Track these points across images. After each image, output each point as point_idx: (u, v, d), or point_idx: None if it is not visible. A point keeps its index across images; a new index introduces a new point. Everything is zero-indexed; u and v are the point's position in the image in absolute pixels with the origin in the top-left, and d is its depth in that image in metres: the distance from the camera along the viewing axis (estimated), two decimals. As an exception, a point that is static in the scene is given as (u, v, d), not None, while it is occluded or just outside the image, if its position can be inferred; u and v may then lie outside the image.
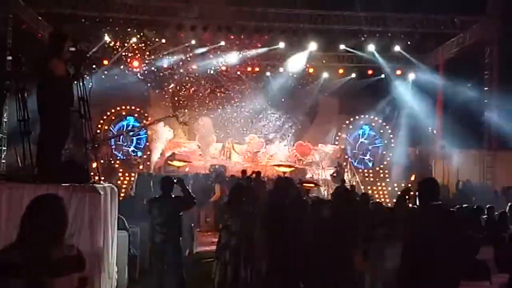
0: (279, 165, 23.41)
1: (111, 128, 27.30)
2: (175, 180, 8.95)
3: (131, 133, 26.19)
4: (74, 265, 3.76)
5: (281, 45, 25.75)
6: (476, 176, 22.82)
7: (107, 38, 25.17)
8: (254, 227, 8.34)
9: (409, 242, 5.94)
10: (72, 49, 7.49)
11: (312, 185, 20.02)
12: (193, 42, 25.16)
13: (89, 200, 6.15)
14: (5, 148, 20.79)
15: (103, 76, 25.51)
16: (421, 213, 6.03)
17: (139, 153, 26.80)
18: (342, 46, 25.88)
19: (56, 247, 3.64)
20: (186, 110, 23.07)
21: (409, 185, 22.42)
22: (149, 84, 27.61)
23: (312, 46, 25.60)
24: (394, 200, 8.74)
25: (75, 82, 7.20)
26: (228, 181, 18.94)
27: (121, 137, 27.06)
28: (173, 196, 8.85)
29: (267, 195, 11.86)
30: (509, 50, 22.89)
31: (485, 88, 23.08)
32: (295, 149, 27.50)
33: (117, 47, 26.15)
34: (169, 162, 23.66)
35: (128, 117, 27.75)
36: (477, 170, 23.14)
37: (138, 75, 27.42)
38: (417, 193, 6.14)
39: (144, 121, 24.82)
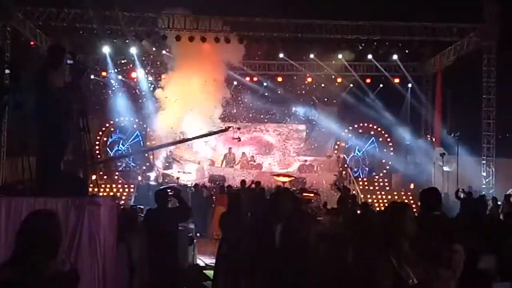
0: (278, 175, 23.36)
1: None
2: (171, 192, 8.89)
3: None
4: (67, 280, 3.74)
5: (280, 55, 26.04)
6: (476, 183, 22.78)
7: (105, 50, 25.25)
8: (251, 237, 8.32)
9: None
10: (71, 61, 7.48)
11: (312, 194, 20.00)
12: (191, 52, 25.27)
13: (88, 212, 6.13)
14: (4, 161, 20.76)
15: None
16: (422, 223, 6.01)
17: (139, 164, 26.74)
18: (339, 55, 26.10)
19: (50, 263, 3.62)
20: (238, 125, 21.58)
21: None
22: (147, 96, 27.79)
23: (310, 55, 25.91)
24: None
25: (74, 94, 7.20)
26: (227, 191, 18.92)
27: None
28: (169, 207, 8.81)
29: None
30: (507, 57, 22.96)
31: (484, 96, 23.06)
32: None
33: (116, 58, 26.29)
34: (168, 172, 23.68)
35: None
36: (477, 177, 23.10)
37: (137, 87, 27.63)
38: (418, 203, 6.13)
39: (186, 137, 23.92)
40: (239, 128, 16.90)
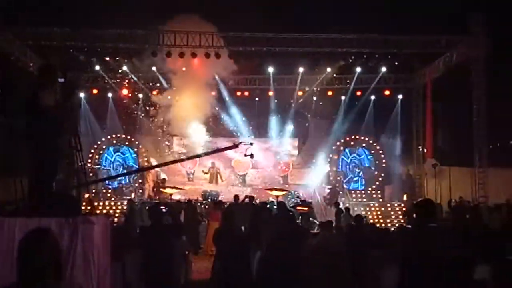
0: (271, 189, 23.35)
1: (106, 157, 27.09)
2: (164, 208, 8.90)
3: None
4: None
5: (270, 69, 26.12)
6: (468, 193, 22.83)
7: (97, 68, 25.35)
8: (247, 252, 8.32)
9: (406, 263, 5.90)
10: (61, 80, 7.46)
11: (306, 208, 19.99)
12: (183, 69, 25.39)
13: (82, 231, 6.08)
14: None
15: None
16: (418, 234, 6.01)
17: (132, 181, 26.63)
18: (328, 69, 26.21)
19: (57, 284, 3.56)
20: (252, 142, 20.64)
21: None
22: (139, 113, 27.97)
23: (300, 69, 26.00)
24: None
25: (65, 113, 7.17)
26: (221, 206, 18.90)
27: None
28: (163, 224, 8.78)
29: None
30: (495, 67, 23.10)
31: (474, 106, 23.14)
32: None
33: (107, 76, 26.36)
34: (161, 189, 23.61)
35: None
36: (469, 187, 23.14)
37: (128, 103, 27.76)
38: (414, 214, 6.14)
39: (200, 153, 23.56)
40: (251, 144, 16.17)
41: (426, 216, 5.95)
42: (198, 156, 21.69)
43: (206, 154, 20.94)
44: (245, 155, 17.57)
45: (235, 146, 15.34)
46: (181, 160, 21.27)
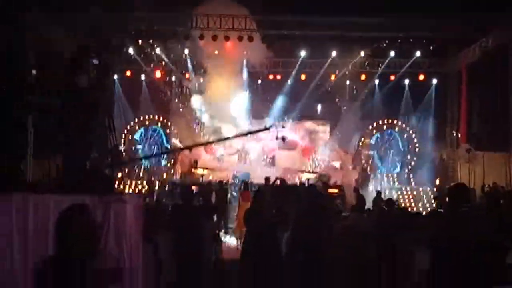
0: (302, 171, 23.35)
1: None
2: (196, 189, 9.00)
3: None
4: (111, 277, 3.81)
5: (302, 53, 25.98)
6: (502, 179, 22.50)
7: (130, 50, 25.50)
8: (275, 233, 8.37)
9: (437, 246, 5.88)
10: (96, 61, 7.54)
11: (336, 190, 19.96)
12: (215, 52, 25.39)
13: (114, 210, 6.17)
14: (31, 159, 20.92)
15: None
16: (451, 218, 5.98)
17: (163, 162, 26.89)
18: (362, 53, 25.98)
19: (94, 258, 3.67)
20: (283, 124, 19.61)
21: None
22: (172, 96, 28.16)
23: (333, 53, 25.80)
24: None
25: (99, 93, 7.27)
26: (252, 187, 18.98)
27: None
28: (194, 204, 8.86)
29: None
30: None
31: (510, 91, 22.74)
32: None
33: (140, 59, 26.51)
34: (192, 169, 23.77)
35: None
36: (503, 173, 22.80)
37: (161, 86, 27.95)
38: (447, 198, 6.10)
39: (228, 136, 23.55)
40: (283, 127, 15.57)
41: (459, 200, 5.91)
42: (228, 138, 21.71)
43: (237, 136, 20.85)
44: (277, 138, 17.30)
45: (266, 129, 15.14)
46: (212, 142, 21.36)
